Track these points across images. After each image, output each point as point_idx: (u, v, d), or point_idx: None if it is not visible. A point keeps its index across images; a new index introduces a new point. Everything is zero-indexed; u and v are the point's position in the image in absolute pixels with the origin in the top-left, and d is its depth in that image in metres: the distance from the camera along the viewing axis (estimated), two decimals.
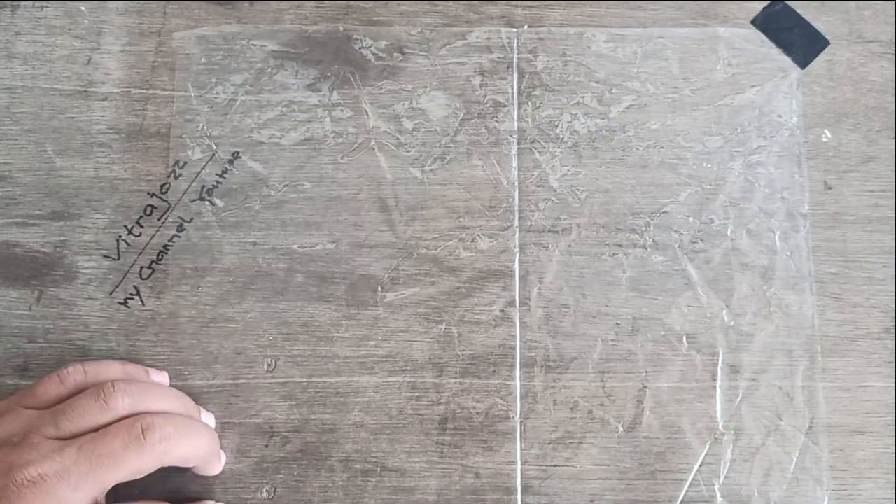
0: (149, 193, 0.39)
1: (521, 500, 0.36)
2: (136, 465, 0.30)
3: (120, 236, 0.39)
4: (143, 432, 0.30)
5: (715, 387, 0.37)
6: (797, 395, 0.37)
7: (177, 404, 0.34)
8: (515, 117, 0.40)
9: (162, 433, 0.31)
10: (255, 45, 0.41)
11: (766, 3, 0.41)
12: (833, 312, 0.38)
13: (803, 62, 0.41)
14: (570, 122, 0.40)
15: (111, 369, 0.34)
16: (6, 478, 0.28)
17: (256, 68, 0.40)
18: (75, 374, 0.32)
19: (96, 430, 0.30)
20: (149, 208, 0.39)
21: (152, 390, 0.33)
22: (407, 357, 0.38)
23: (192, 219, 0.39)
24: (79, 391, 0.32)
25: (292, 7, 0.41)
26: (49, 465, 0.28)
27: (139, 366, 0.36)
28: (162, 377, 0.36)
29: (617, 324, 0.38)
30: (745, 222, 0.39)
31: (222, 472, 0.36)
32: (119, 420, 0.31)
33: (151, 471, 0.31)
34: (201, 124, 0.40)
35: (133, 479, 0.31)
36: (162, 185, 0.39)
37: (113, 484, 0.30)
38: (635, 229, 0.39)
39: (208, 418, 0.36)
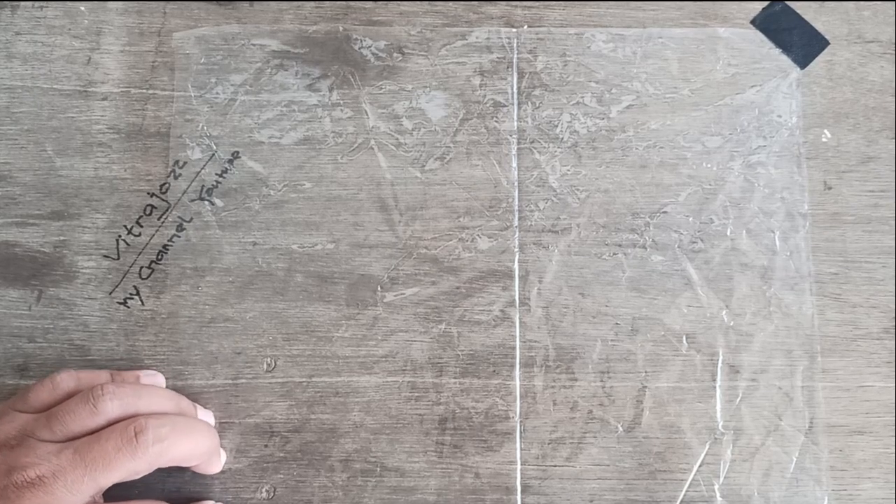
0: (148, 193, 0.39)
1: (521, 500, 0.36)
2: (129, 466, 0.30)
3: (120, 236, 0.39)
4: (135, 435, 0.30)
5: (715, 387, 0.37)
6: (797, 395, 0.37)
7: (170, 404, 0.34)
8: (515, 117, 0.40)
9: (155, 435, 0.31)
10: (254, 45, 0.41)
11: (765, 3, 0.41)
12: (833, 312, 0.38)
13: (803, 62, 0.41)
14: (570, 122, 0.40)
15: (102, 377, 0.34)
16: (6, 479, 0.29)
17: (256, 68, 0.40)
18: (68, 381, 0.33)
19: (88, 433, 0.31)
20: (148, 208, 0.39)
21: (144, 392, 0.33)
22: (407, 357, 0.38)
23: (191, 219, 0.39)
24: (70, 397, 0.32)
25: (292, 7, 0.41)
26: (46, 467, 0.29)
27: (131, 371, 0.36)
28: (155, 379, 0.36)
29: (616, 324, 0.38)
30: (745, 222, 0.39)
31: (222, 472, 0.36)
32: (112, 423, 0.31)
33: (148, 471, 0.31)
34: (201, 124, 0.40)
35: (131, 479, 0.31)
36: (162, 185, 0.39)
37: (109, 485, 0.30)
38: (635, 229, 0.39)
39: (206, 416, 0.36)
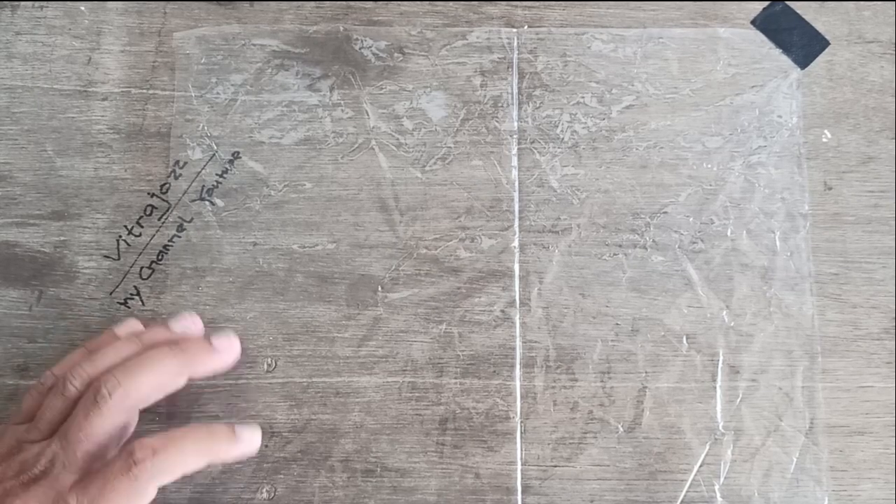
0: (149, 193, 0.39)
1: (522, 501, 0.36)
2: (107, 424, 0.32)
3: (120, 236, 0.39)
4: (94, 395, 0.32)
5: (715, 387, 0.37)
6: (797, 395, 0.37)
7: (130, 349, 0.34)
8: (515, 117, 0.40)
9: (109, 386, 0.32)
10: (255, 46, 0.41)
11: (765, 4, 0.41)
12: (833, 313, 0.38)
13: (803, 62, 0.41)
14: (570, 122, 0.40)
15: (74, 358, 0.35)
16: (14, 481, 0.31)
17: (256, 68, 0.40)
18: (49, 378, 0.34)
19: (65, 419, 0.32)
20: (149, 208, 0.39)
21: (99, 356, 0.34)
22: (407, 357, 0.38)
23: (192, 219, 0.39)
24: None
25: (292, 7, 0.41)
26: (44, 459, 0.31)
27: (110, 330, 0.36)
28: (186, 322, 0.36)
29: (617, 324, 0.38)
30: (745, 223, 0.39)
31: (223, 473, 0.36)
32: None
33: (132, 419, 0.33)
34: (201, 124, 0.40)
35: (124, 437, 0.33)
36: (162, 185, 0.39)
37: (87, 449, 0.32)
38: (635, 230, 0.39)
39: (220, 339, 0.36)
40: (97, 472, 0.31)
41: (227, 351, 0.36)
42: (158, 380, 0.33)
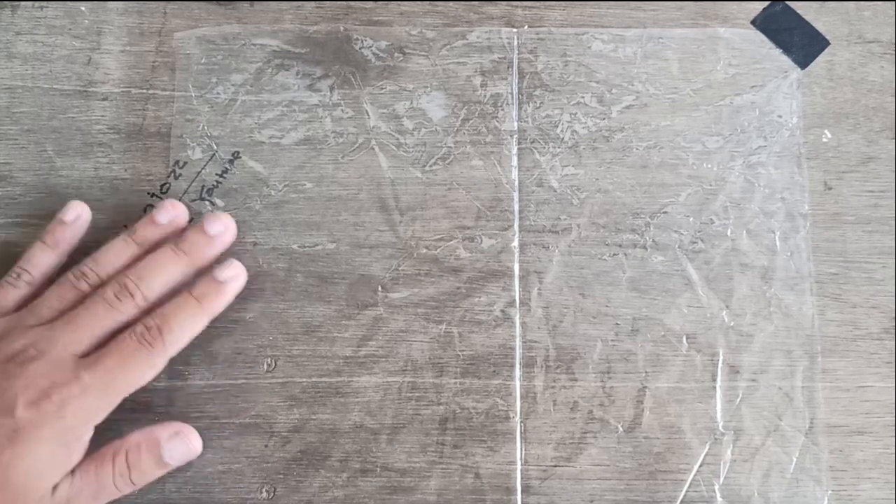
0: (149, 193, 0.39)
1: (522, 500, 0.36)
2: (116, 317, 0.33)
3: None
4: (115, 295, 0.34)
5: (715, 387, 0.37)
6: (797, 395, 0.37)
7: (131, 249, 0.36)
8: (516, 117, 0.40)
9: (130, 288, 0.34)
10: (255, 45, 0.41)
11: (766, 4, 0.41)
12: (833, 313, 0.38)
13: (803, 62, 0.41)
14: (570, 122, 0.40)
15: (36, 252, 0.36)
16: (10, 362, 0.32)
17: (257, 68, 0.40)
18: (23, 276, 0.35)
19: (71, 309, 0.34)
20: (149, 208, 0.39)
21: (105, 256, 0.35)
22: (407, 357, 0.38)
23: (192, 219, 0.39)
24: (33, 286, 0.35)
25: (292, 7, 0.41)
26: (44, 341, 0.32)
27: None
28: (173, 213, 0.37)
29: (617, 324, 0.38)
30: (745, 223, 0.39)
31: (223, 473, 0.36)
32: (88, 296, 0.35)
33: (138, 319, 0.34)
34: (201, 124, 0.40)
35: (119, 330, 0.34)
36: (162, 186, 0.39)
37: (98, 339, 0.33)
38: (635, 229, 0.39)
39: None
40: (109, 349, 0.33)
41: (224, 233, 0.37)
42: (169, 281, 0.35)
